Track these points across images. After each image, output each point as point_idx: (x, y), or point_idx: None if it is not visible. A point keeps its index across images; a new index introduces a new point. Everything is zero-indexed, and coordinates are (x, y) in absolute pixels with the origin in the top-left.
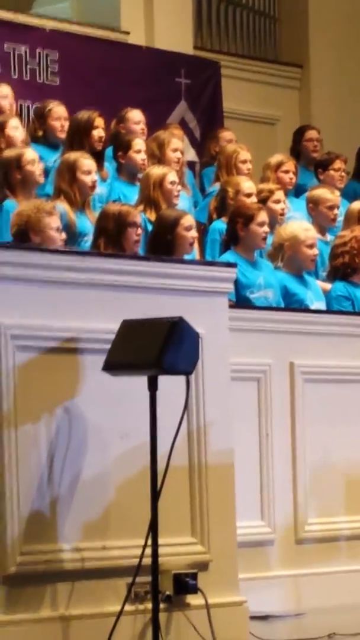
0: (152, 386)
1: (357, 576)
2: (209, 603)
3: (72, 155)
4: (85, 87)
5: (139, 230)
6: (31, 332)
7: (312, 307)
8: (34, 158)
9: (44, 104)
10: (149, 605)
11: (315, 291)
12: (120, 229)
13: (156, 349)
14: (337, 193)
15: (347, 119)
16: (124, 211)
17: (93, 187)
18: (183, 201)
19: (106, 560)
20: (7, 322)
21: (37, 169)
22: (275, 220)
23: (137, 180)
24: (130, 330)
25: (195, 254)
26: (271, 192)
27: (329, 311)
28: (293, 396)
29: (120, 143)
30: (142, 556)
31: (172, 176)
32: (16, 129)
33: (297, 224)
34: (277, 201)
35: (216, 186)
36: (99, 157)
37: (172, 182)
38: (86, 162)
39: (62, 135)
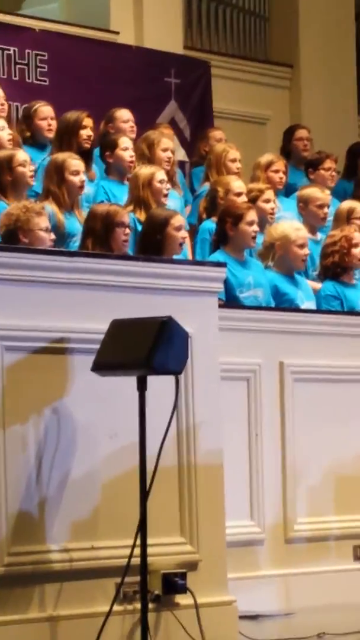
0: (142, 386)
1: (347, 575)
2: (198, 603)
3: (60, 156)
4: (75, 88)
5: (127, 230)
6: (20, 333)
7: (303, 306)
8: (25, 159)
9: (29, 105)
10: (138, 605)
11: (306, 291)
12: (109, 229)
13: (146, 348)
14: (328, 192)
15: (337, 119)
16: (112, 211)
17: (81, 187)
18: (174, 200)
19: (95, 561)
20: None
21: (28, 170)
22: (265, 220)
23: (126, 180)
24: (120, 330)
25: (188, 254)
26: (261, 191)
27: (318, 311)
28: (283, 396)
29: (107, 142)
30: (130, 556)
31: (160, 175)
32: (2, 129)
33: (288, 224)
34: (267, 200)
35: (205, 186)
36: (86, 158)
37: (161, 181)
38: (74, 162)
39: (50, 135)
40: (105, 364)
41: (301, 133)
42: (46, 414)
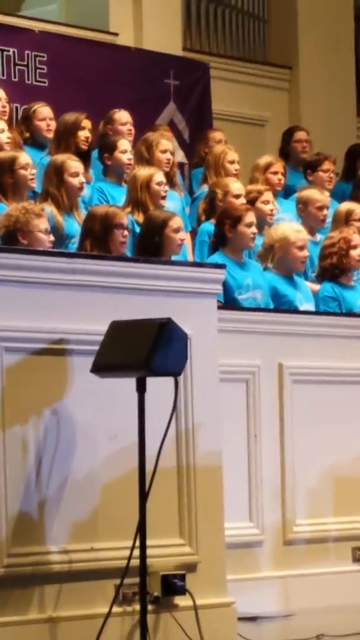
0: (141, 387)
1: (346, 577)
2: (197, 604)
3: (60, 158)
4: (74, 89)
5: (126, 232)
6: (20, 334)
7: (302, 308)
8: (27, 162)
9: (28, 106)
10: (137, 607)
11: (305, 292)
12: (107, 231)
13: (145, 350)
14: (327, 194)
15: (336, 120)
16: (111, 213)
17: (81, 188)
18: (174, 201)
19: (94, 562)
20: None
21: (29, 173)
22: (264, 221)
23: (124, 182)
24: (119, 331)
25: (188, 256)
26: (260, 192)
27: (317, 312)
28: (281, 397)
29: (105, 144)
30: (130, 557)
31: (159, 177)
32: (1, 132)
33: (288, 225)
34: (266, 202)
35: (204, 188)
36: (84, 160)
37: (159, 183)
38: (73, 164)
39: (49, 135)
40: (104, 365)
41: (300, 135)
42: (46, 415)
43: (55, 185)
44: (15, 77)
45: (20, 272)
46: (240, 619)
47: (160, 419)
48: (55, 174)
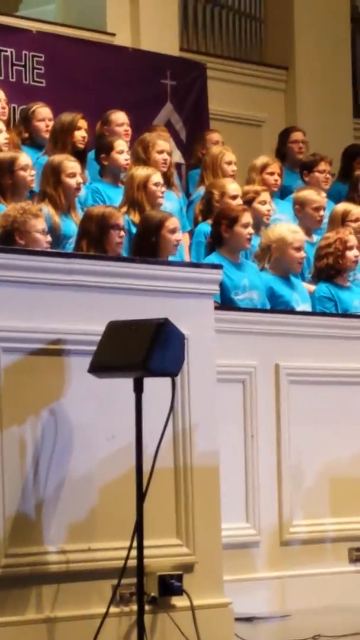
0: (138, 388)
1: (342, 578)
2: (194, 605)
3: (57, 158)
4: (71, 89)
5: (122, 233)
6: (17, 334)
7: (298, 309)
8: (27, 163)
9: (27, 106)
10: (134, 607)
11: (302, 293)
12: (103, 231)
13: (142, 350)
14: (324, 194)
15: (332, 121)
16: (107, 213)
17: (78, 189)
18: (172, 202)
19: (91, 562)
20: None
21: (29, 175)
22: (260, 222)
23: (121, 182)
24: (116, 331)
25: (184, 257)
26: (257, 193)
27: (314, 313)
28: (278, 398)
29: (102, 145)
30: (127, 558)
31: (156, 177)
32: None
33: (285, 226)
34: (263, 202)
35: (201, 189)
36: (81, 160)
37: (156, 184)
38: (70, 164)
39: (48, 136)
40: (102, 366)
41: (296, 135)
42: (43, 415)
43: (53, 186)
44: (12, 78)
45: (18, 272)
46: (237, 619)
47: (158, 420)
48: (52, 175)
